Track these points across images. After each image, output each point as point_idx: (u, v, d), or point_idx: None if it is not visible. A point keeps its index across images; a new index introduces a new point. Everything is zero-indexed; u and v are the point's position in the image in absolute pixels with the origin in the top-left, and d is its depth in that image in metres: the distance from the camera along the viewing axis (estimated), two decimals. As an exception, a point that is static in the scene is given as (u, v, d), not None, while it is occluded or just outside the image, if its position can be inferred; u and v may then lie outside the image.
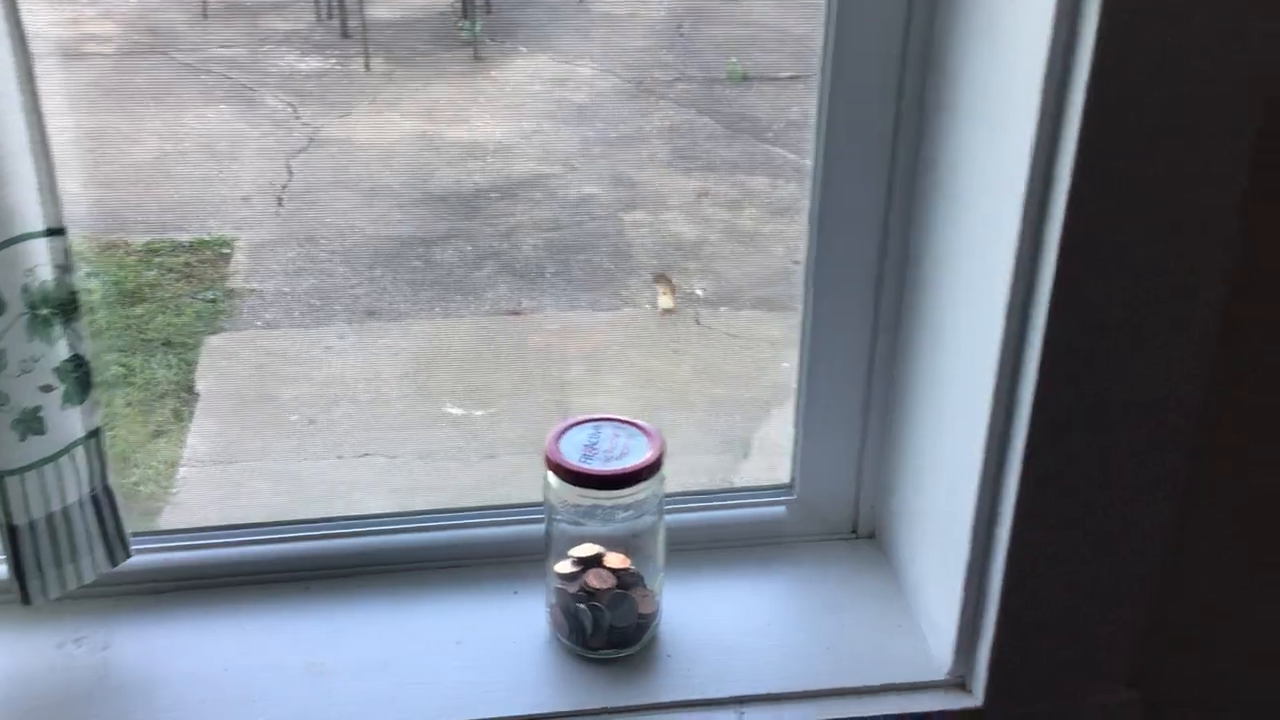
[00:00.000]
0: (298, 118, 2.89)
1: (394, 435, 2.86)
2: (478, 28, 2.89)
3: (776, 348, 2.96)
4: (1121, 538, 1.47)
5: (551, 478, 1.53)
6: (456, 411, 2.88)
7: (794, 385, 1.71)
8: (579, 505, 1.56)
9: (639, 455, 1.55)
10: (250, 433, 2.84)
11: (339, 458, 2.83)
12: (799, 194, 2.44)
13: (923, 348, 1.59)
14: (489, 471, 2.79)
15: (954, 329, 1.50)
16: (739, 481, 2.53)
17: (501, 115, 2.92)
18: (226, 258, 2.85)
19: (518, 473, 2.68)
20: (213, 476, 2.71)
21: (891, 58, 1.48)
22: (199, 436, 2.77)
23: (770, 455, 2.71)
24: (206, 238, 2.85)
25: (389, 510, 1.76)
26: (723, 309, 3.00)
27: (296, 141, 2.92)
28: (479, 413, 2.89)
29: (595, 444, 1.55)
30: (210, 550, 1.75)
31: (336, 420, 2.88)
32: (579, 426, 1.58)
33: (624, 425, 1.59)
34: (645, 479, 1.54)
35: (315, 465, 2.82)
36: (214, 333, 2.81)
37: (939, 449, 1.58)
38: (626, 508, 1.56)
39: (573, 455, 1.54)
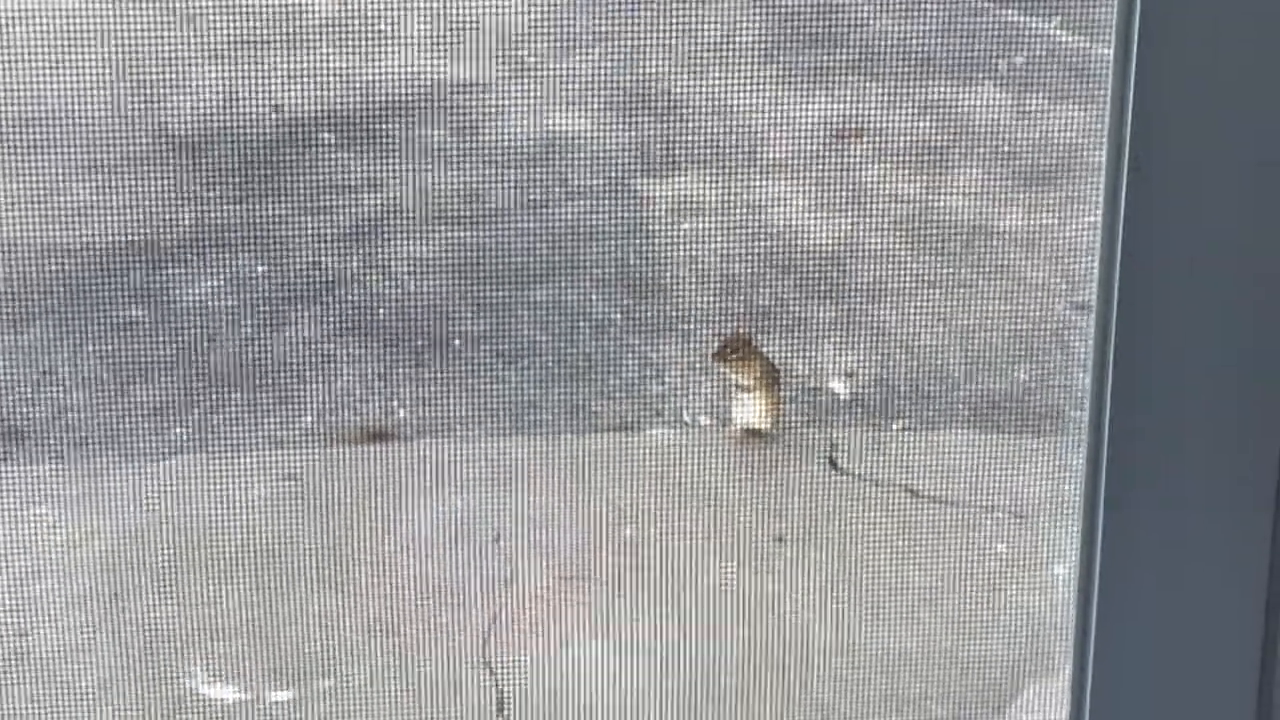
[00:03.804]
0: None
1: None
2: None
3: (1031, 527, 1.89)
4: None
5: None
6: (224, 694, 1.84)
7: (1070, 634, 1.27)
8: None
9: None
10: None
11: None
12: (1085, 133, 1.60)
13: None
14: None
15: None
16: None
17: (344, -66, 1.99)
18: None
19: None
20: None
21: None
22: None
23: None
24: None
25: None
26: (896, 427, 2.03)
27: None
28: (280, 696, 1.82)
29: None
30: None
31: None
32: None
33: None
34: None
35: None
36: None
37: None
38: None
39: None
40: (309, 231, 1.98)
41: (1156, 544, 1.25)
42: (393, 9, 1.98)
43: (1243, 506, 1.25)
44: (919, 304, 2.11)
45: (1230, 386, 1.23)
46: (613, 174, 2.03)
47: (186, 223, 1.95)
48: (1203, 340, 1.23)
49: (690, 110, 2.04)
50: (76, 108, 1.88)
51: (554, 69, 2.02)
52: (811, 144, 2.05)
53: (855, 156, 2.06)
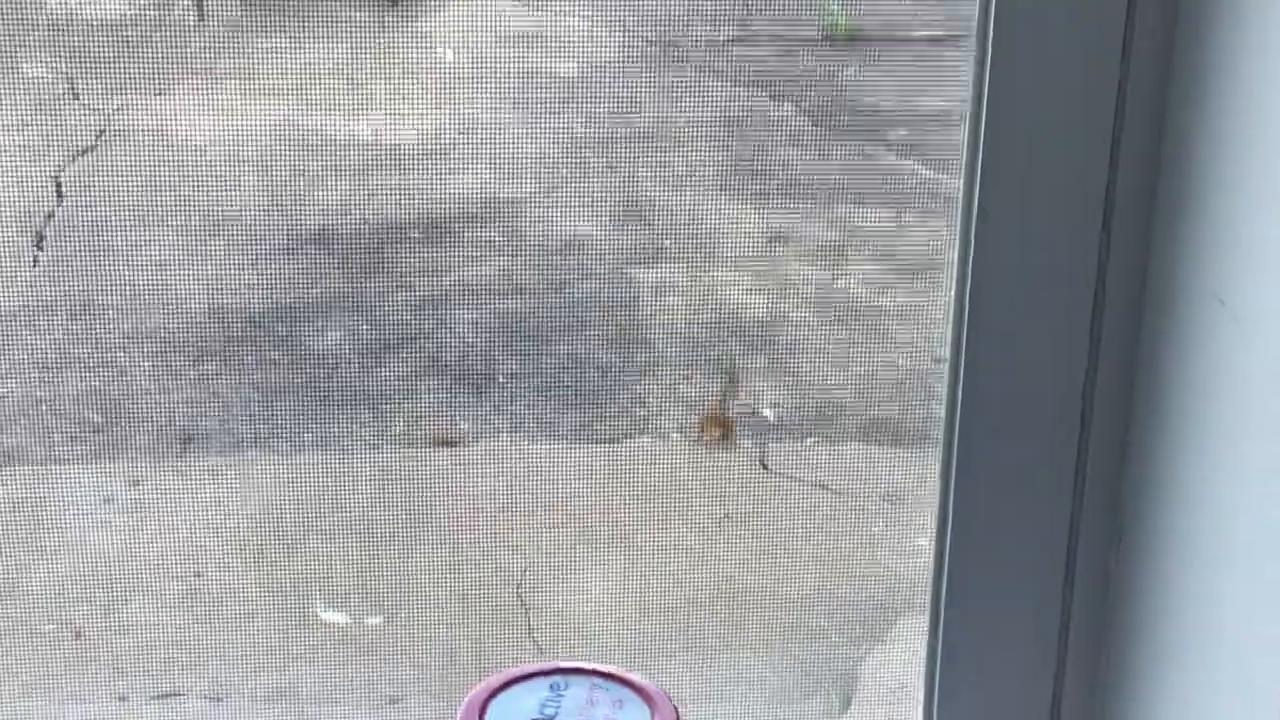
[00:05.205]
0: (76, 97, 2.26)
1: (223, 660, 2.24)
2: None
3: (902, 509, 2.33)
4: None
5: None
6: (336, 619, 2.28)
7: (929, 583, 1.51)
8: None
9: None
10: (-37, 651, 2.25)
11: (121, 700, 2.21)
12: (943, 238, 1.95)
13: (1177, 512, 1.35)
14: (388, 727, 2.22)
15: (1248, 477, 1.25)
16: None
17: (428, 96, 2.36)
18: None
19: (433, 737, 2.20)
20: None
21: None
22: None
23: (890, 706, 2.22)
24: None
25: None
26: (810, 441, 2.41)
27: (73, 138, 2.26)
28: (374, 620, 2.28)
29: (554, 717, 1.16)
30: None
31: (122, 631, 2.26)
32: (527, 683, 1.19)
33: (607, 682, 1.19)
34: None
35: (79, 713, 2.20)
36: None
37: (1210, 696, 1.32)
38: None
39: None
40: (400, 301, 2.31)
41: (987, 523, 1.50)
42: (460, 145, 2.33)
43: (1047, 497, 1.49)
44: (824, 357, 2.40)
45: (1040, 413, 1.46)
46: (613, 264, 2.36)
47: (316, 293, 2.29)
48: (1021, 384, 1.46)
49: (669, 219, 2.39)
50: (242, 212, 2.28)
51: (574, 189, 2.37)
52: (752, 245, 2.41)
53: (782, 255, 2.42)
